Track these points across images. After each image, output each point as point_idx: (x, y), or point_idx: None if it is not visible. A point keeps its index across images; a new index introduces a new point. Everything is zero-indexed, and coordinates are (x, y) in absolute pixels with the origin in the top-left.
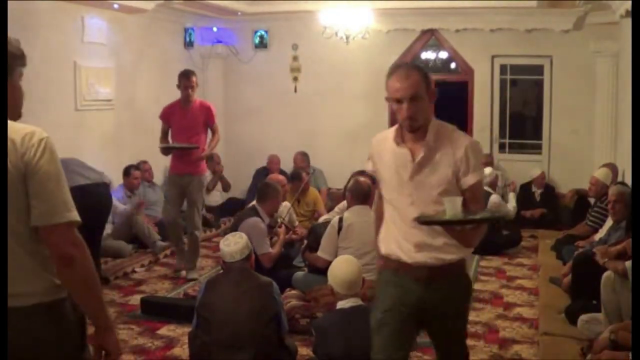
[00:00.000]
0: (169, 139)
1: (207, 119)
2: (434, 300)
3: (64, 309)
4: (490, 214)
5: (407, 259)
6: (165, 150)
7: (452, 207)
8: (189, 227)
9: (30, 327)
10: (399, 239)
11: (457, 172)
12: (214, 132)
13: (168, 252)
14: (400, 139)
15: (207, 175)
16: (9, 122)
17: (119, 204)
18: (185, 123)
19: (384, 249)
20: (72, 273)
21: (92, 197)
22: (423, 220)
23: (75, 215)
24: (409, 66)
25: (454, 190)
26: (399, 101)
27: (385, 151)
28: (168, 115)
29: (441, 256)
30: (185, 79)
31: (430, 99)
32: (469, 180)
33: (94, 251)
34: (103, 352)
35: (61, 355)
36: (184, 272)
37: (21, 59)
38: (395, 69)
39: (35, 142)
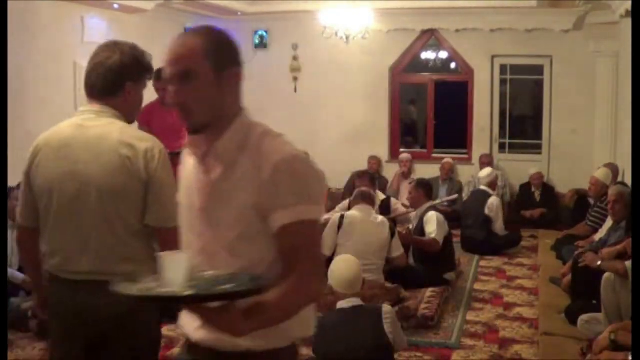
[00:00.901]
0: None
1: None
2: None
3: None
4: (244, 286)
5: (191, 335)
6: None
7: (170, 271)
8: None
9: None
10: None
11: (261, 205)
12: None
13: None
14: (196, 147)
15: None
16: (129, 127)
17: None
18: (170, 124)
19: None
20: None
21: None
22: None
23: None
24: (189, 31)
25: (259, 235)
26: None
27: (187, 164)
28: (148, 117)
29: (227, 340)
30: (154, 80)
31: (225, 81)
32: (277, 219)
33: None
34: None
35: (144, 323)
36: None
37: (149, 71)
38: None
39: (157, 154)
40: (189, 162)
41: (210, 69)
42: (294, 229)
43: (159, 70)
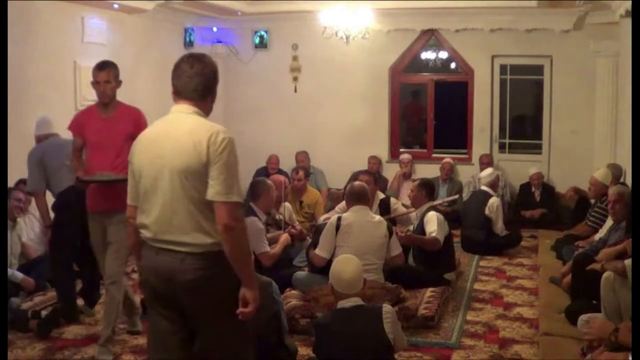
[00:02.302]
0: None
1: (134, 131)
2: None
3: (225, 258)
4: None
5: None
6: (84, 184)
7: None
8: (106, 278)
9: (201, 266)
10: None
11: None
12: None
13: None
14: None
15: None
16: (204, 120)
17: None
18: (105, 137)
19: None
20: (230, 239)
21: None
22: None
23: (238, 197)
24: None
25: None
26: None
27: None
28: (82, 125)
29: None
30: (96, 70)
31: None
32: None
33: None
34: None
35: (223, 286)
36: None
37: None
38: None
39: (219, 140)
40: None
41: None
42: None
43: (100, 63)
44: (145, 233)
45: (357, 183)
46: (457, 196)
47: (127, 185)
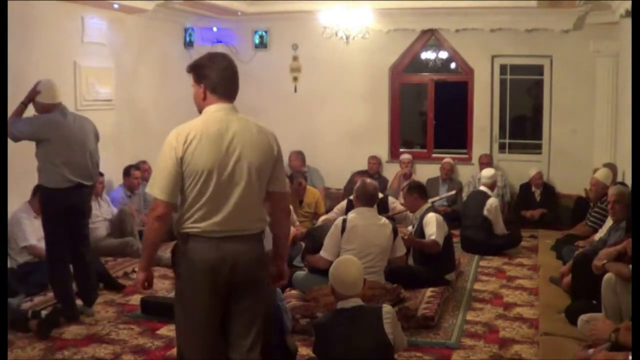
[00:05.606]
0: None
1: None
2: None
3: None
4: None
5: None
6: None
7: None
8: None
9: (257, 245)
10: None
11: None
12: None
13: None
14: None
15: None
16: (250, 119)
17: (112, 207)
18: None
19: None
20: (287, 221)
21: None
22: None
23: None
24: None
25: None
26: None
27: None
28: None
29: None
30: None
31: None
32: None
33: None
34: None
35: (262, 259)
36: None
37: None
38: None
39: (276, 140)
40: None
41: None
42: None
43: None
44: (206, 227)
45: (369, 182)
46: (454, 192)
47: None
